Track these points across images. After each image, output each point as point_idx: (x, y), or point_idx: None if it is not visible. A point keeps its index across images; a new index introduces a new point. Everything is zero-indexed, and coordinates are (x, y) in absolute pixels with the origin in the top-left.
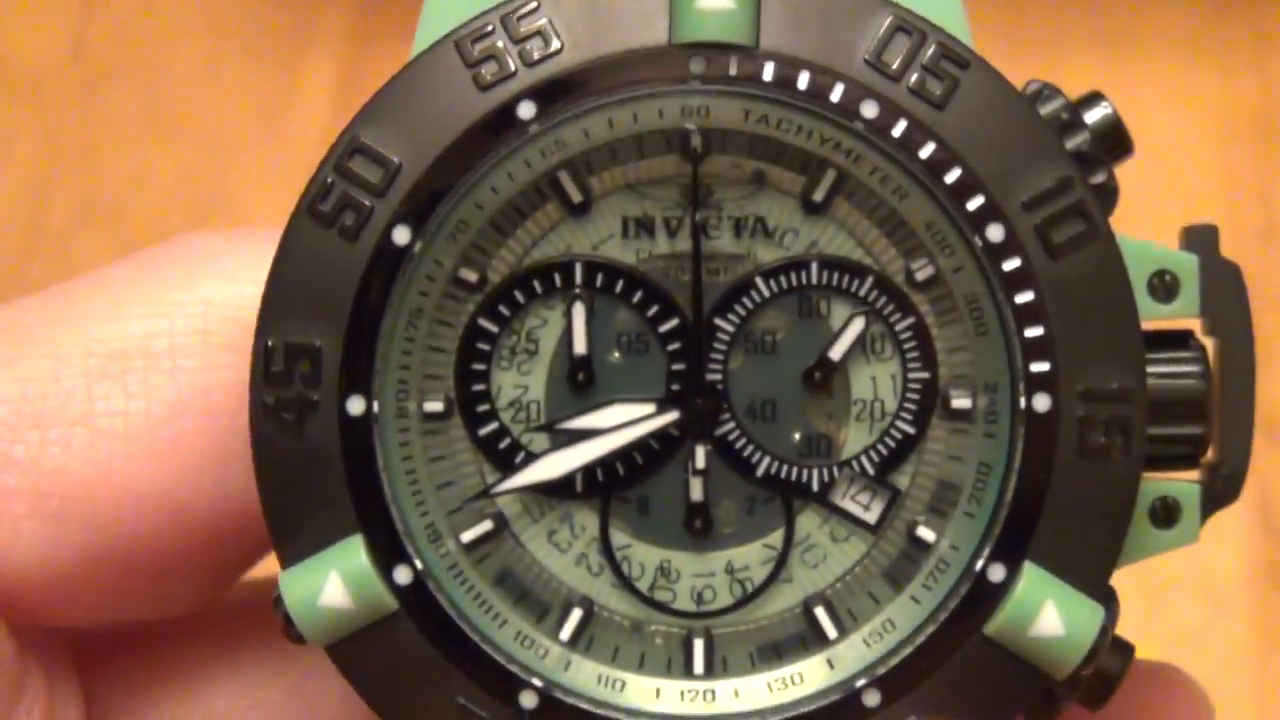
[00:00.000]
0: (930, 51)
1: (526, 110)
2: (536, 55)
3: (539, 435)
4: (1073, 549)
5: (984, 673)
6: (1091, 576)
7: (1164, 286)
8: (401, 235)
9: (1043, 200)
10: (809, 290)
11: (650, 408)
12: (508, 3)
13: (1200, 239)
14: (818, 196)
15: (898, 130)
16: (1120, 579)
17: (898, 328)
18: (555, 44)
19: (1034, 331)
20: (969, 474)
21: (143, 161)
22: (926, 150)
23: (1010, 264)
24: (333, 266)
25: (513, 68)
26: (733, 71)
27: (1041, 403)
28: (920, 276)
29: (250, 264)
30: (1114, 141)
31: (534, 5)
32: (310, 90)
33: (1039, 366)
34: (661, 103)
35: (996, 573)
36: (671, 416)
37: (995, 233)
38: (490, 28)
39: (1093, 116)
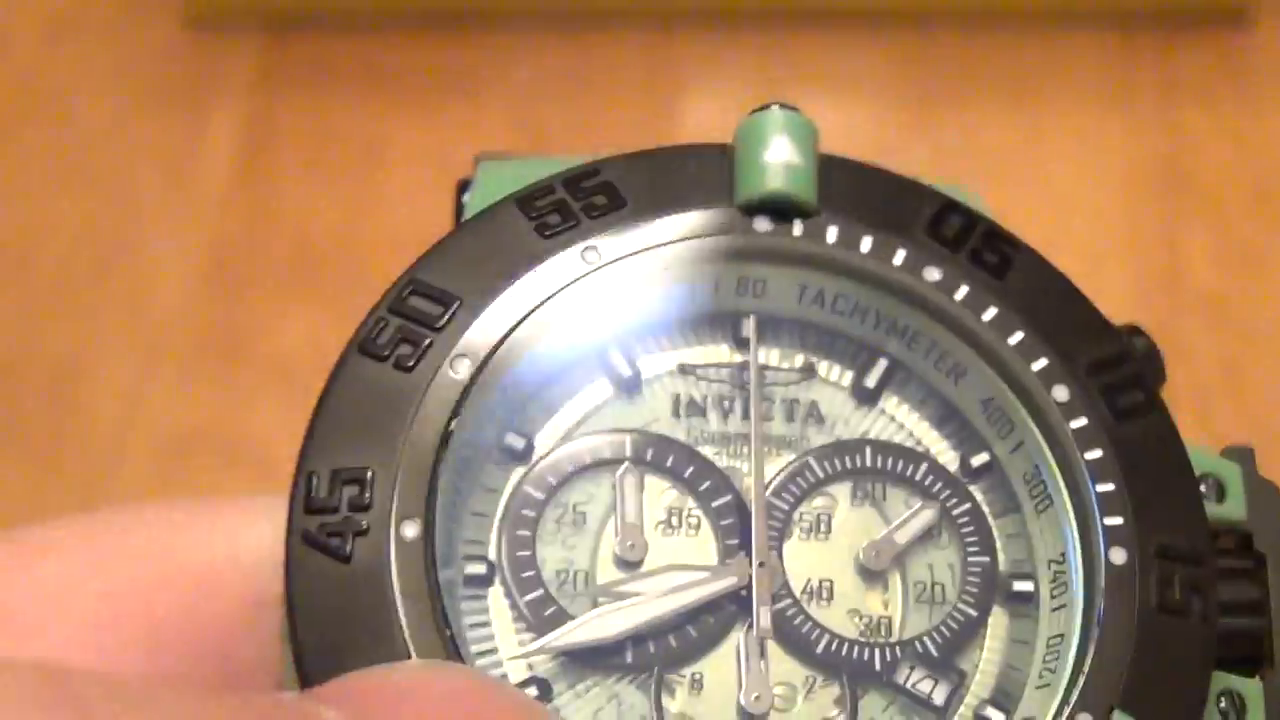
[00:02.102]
0: (982, 228)
1: (590, 257)
2: (599, 207)
3: (587, 601)
4: (1160, 701)
5: None
6: None
7: (1212, 489)
8: (461, 369)
9: (1103, 367)
10: (864, 474)
11: (706, 574)
12: (566, 171)
13: (1240, 456)
14: (869, 383)
15: (961, 293)
16: None
17: (955, 514)
18: (619, 200)
19: (1105, 487)
20: (1037, 653)
21: (47, 211)
22: (990, 313)
23: (1078, 422)
24: (387, 394)
25: (577, 218)
26: (796, 232)
27: (1119, 556)
28: (976, 463)
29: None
30: (1153, 366)
31: (594, 169)
32: (215, 140)
33: (1113, 520)
34: (718, 270)
35: None
36: (730, 581)
37: (1062, 393)
38: (553, 187)
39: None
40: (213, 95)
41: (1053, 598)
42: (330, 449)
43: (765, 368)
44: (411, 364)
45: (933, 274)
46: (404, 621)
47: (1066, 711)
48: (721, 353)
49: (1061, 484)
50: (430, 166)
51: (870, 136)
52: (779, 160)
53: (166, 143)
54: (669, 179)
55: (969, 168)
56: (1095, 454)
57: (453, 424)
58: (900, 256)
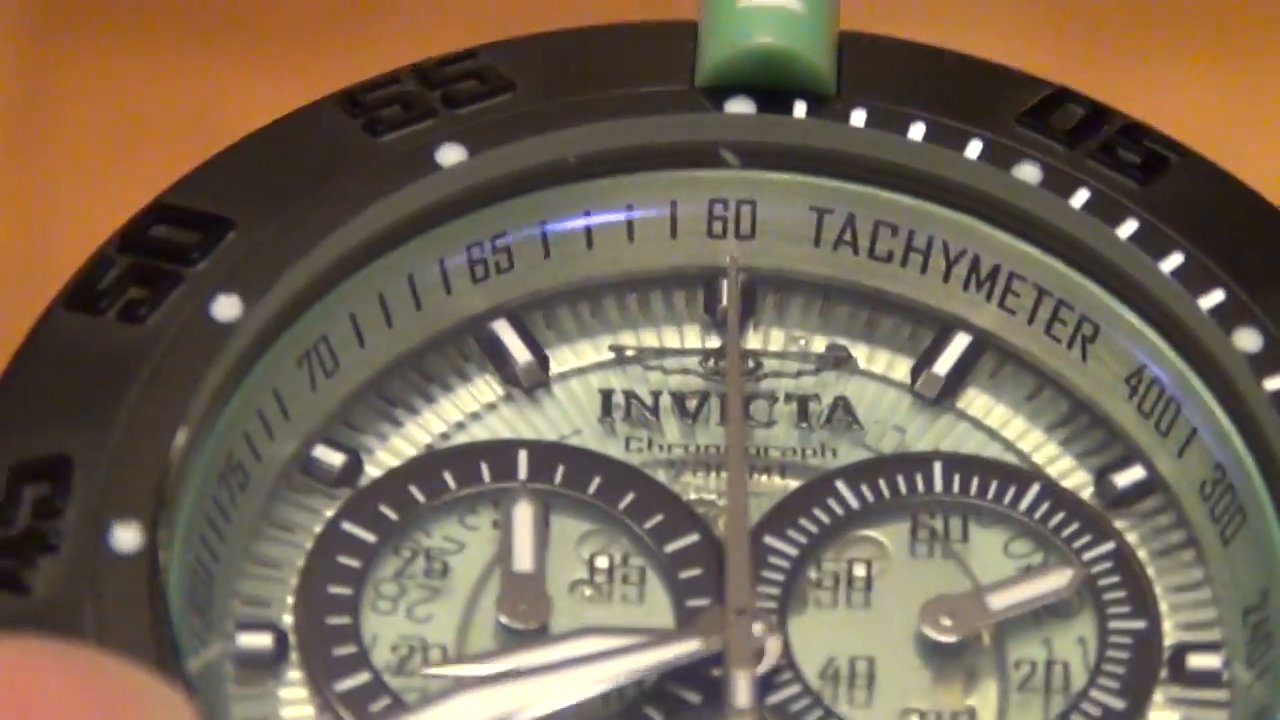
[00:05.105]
0: (1116, 121)
1: (452, 155)
2: (470, 95)
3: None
4: None
5: None
6: None
7: None
8: (228, 308)
9: None
10: (931, 506)
11: (645, 639)
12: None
13: None
14: (940, 369)
15: (1081, 199)
16: None
17: (1087, 560)
18: (501, 85)
19: None
20: None
21: None
22: (1129, 227)
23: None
24: (103, 355)
25: (431, 110)
26: (800, 113)
27: None
28: (1123, 482)
29: None
30: None
31: (468, 52)
32: None
33: None
34: (672, 185)
35: None
36: (687, 647)
37: (1251, 340)
38: (397, 75)
39: None
40: None
41: (1250, 666)
42: (10, 436)
43: (758, 354)
44: (143, 312)
45: (1030, 172)
46: None
47: None
48: (687, 333)
49: (1260, 483)
50: None
51: None
52: (766, 3)
53: None
54: (587, 57)
55: None
56: None
57: (209, 383)
58: (976, 148)
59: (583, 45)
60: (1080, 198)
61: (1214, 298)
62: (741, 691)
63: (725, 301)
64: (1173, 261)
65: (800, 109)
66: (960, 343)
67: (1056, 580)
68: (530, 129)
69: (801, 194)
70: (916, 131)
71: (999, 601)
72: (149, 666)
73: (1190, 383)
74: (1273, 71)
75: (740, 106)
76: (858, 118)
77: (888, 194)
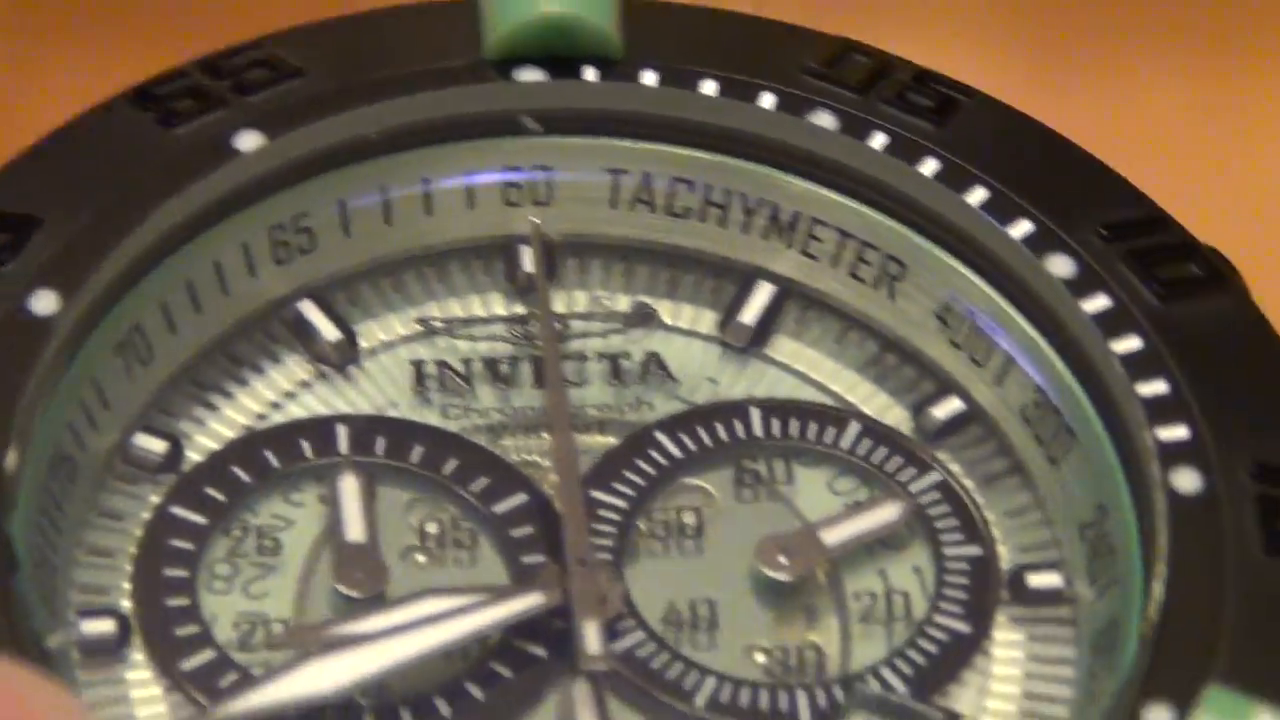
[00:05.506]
0: (908, 69)
1: (249, 140)
2: (260, 82)
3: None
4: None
5: None
6: None
7: None
8: (44, 302)
9: (1128, 230)
10: (752, 451)
11: (485, 596)
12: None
13: None
14: (747, 319)
15: (879, 143)
16: None
17: (914, 492)
18: (288, 72)
19: (1153, 387)
20: (1079, 668)
21: None
22: (930, 166)
23: (1096, 302)
24: None
25: (222, 100)
26: (591, 76)
27: (1189, 481)
28: (942, 414)
29: None
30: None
31: (253, 43)
32: None
33: (1171, 432)
34: (468, 155)
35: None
36: (528, 601)
37: (1063, 265)
38: (184, 70)
39: None
40: None
41: (1092, 581)
42: None
43: (565, 316)
44: None
45: (826, 120)
46: None
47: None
48: (491, 301)
49: (1087, 403)
50: None
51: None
52: None
53: None
54: (372, 39)
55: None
56: (1131, 343)
57: (34, 377)
58: (770, 99)
59: (366, 29)
60: (878, 140)
61: (1022, 228)
62: (591, 639)
63: (528, 268)
64: (977, 196)
65: (591, 73)
66: (764, 291)
67: (887, 513)
68: (326, 110)
69: (596, 156)
70: (708, 88)
71: (832, 537)
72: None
73: (1005, 312)
74: (1244, 78)
75: (531, 75)
76: (648, 78)
77: (682, 150)
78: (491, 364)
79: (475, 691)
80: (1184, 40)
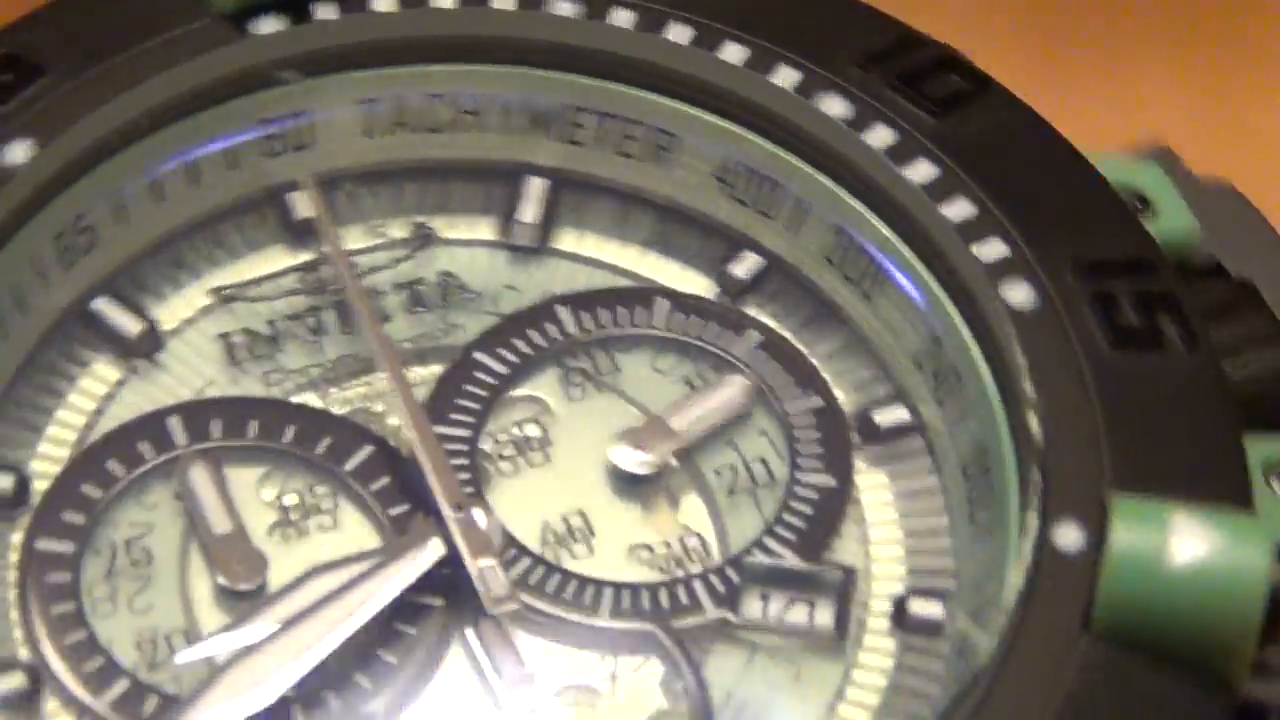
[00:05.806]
0: None
1: (19, 153)
2: (7, 85)
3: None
4: (1169, 468)
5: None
6: (1226, 484)
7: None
8: None
9: (885, 53)
10: (572, 349)
11: (375, 561)
12: None
13: (1161, 157)
14: (526, 217)
15: (625, 18)
16: None
17: (734, 357)
18: (32, 71)
19: (958, 209)
20: (951, 496)
21: None
22: (684, 33)
23: (878, 135)
24: None
25: None
26: (330, 15)
27: (1019, 294)
28: (742, 273)
29: None
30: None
31: None
32: None
33: (988, 249)
34: (223, 127)
35: (1068, 537)
36: (424, 555)
37: (838, 106)
38: None
39: None
40: None
41: (940, 406)
42: None
43: (351, 253)
44: None
45: (566, 8)
46: None
47: (1034, 535)
48: (274, 255)
49: (889, 232)
50: None
51: None
52: None
53: None
54: (98, 17)
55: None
56: (924, 169)
57: None
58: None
59: (86, 7)
60: (623, 18)
61: (785, 76)
62: (495, 581)
63: (301, 214)
64: (735, 53)
65: (329, 10)
66: (537, 186)
67: (731, 391)
68: (86, 105)
69: (346, 91)
70: (445, 1)
71: (680, 422)
72: None
73: (788, 162)
74: (1239, 70)
75: (271, 25)
76: (383, 3)
77: (426, 67)
78: (295, 319)
79: (389, 657)
80: (1184, 40)
